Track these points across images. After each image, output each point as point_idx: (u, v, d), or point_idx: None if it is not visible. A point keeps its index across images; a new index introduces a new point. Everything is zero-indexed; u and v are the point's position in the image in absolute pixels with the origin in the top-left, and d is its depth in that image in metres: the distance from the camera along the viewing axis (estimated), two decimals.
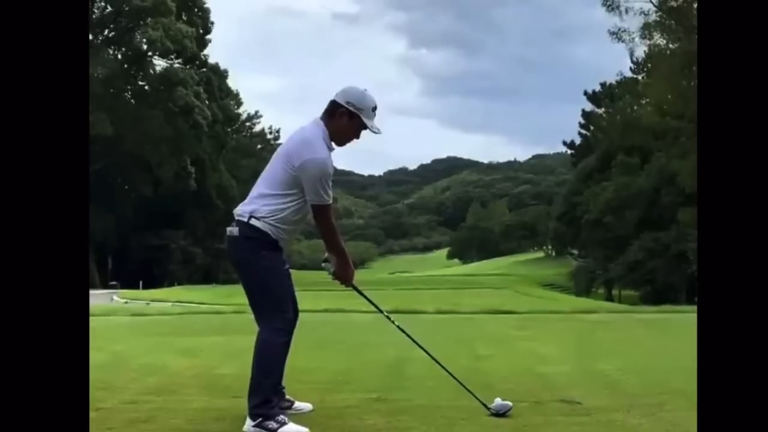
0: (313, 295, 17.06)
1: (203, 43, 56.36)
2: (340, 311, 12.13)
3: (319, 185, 3.50)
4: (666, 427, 3.56)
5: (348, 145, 3.75)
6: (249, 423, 3.46)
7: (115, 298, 31.44)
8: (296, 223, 3.67)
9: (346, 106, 3.61)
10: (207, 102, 52.87)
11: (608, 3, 34.34)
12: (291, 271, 3.83)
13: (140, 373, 5.22)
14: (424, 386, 4.61)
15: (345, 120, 3.62)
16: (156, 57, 52.59)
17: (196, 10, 56.12)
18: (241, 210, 3.62)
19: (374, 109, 3.67)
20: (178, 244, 56.69)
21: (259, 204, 3.58)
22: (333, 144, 3.64)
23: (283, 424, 3.44)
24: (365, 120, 3.63)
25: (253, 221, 3.55)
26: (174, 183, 53.93)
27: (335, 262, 3.77)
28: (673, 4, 34.12)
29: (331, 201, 3.59)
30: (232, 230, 3.60)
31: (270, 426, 3.43)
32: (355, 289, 3.89)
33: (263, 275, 3.59)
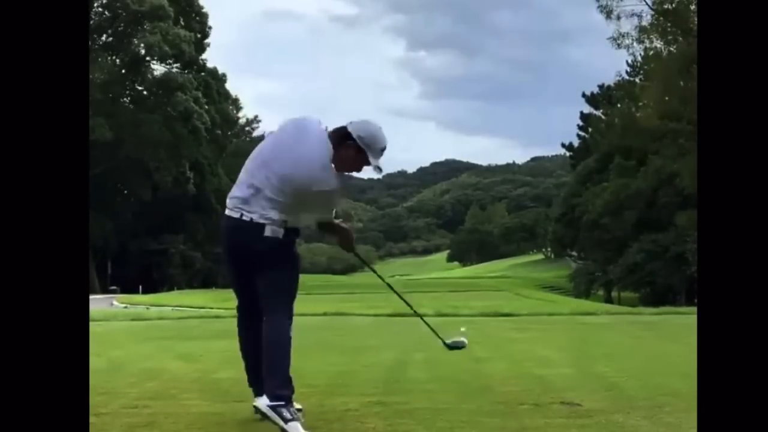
0: (313, 298, 17.09)
1: (201, 48, 56.36)
2: (340, 314, 12.13)
3: None
4: (666, 429, 3.56)
5: None
6: (265, 401, 3.44)
7: (114, 302, 31.43)
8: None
9: (357, 140, 3.59)
10: (206, 106, 52.87)
11: (604, 9, 34.33)
12: None
13: (140, 378, 5.21)
14: (424, 389, 4.60)
15: (351, 152, 3.61)
16: (154, 62, 52.66)
17: (194, 14, 56.14)
18: None
19: (383, 149, 3.66)
20: (177, 249, 56.65)
21: None
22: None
23: (295, 419, 3.36)
24: (370, 158, 3.62)
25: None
26: (173, 187, 53.90)
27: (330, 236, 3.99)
28: (669, 6, 34.16)
29: None
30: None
31: (285, 414, 3.34)
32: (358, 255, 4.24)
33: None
